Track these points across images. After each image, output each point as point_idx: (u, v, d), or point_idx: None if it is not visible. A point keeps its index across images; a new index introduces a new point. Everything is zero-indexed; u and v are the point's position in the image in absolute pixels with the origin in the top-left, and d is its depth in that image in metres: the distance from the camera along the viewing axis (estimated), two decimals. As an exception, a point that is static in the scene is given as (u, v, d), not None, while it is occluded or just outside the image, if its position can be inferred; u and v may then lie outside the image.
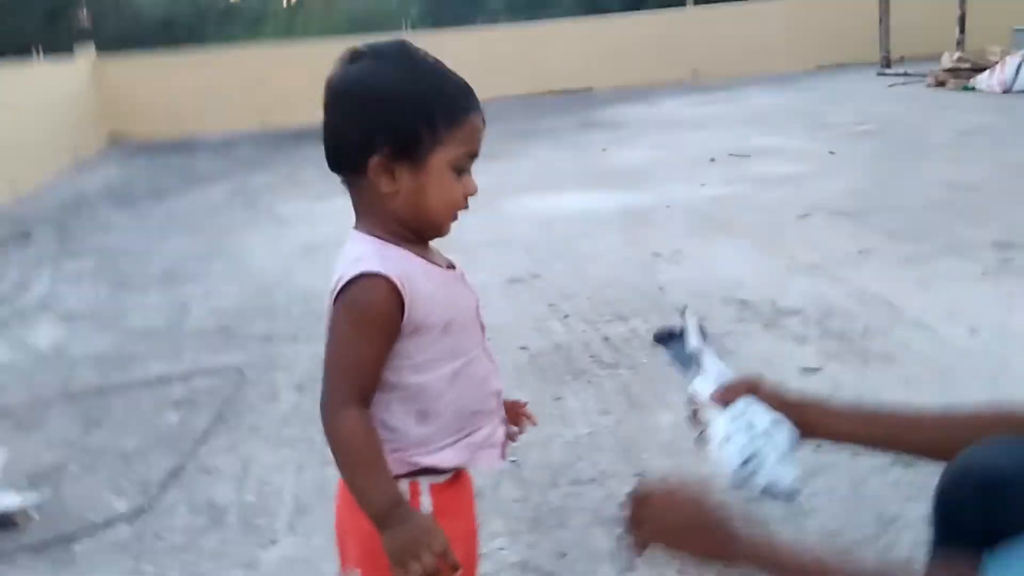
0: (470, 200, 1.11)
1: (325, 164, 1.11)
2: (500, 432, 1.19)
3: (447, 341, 1.09)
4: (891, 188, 4.93)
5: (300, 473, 2.38)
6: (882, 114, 8.14)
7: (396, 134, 1.03)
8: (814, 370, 2.65)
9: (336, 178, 1.12)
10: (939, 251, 3.65)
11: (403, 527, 0.98)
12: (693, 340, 1.26)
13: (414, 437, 1.10)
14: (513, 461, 2.20)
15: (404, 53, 1.08)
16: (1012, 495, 0.95)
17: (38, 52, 12.41)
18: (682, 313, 1.33)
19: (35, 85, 9.64)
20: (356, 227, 1.11)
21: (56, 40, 12.82)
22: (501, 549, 1.92)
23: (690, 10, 15.11)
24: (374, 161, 1.04)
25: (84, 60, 12.54)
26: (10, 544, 2.19)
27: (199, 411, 2.87)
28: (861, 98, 9.69)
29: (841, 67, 13.48)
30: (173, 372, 3.25)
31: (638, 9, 14.30)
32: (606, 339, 3.08)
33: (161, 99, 12.83)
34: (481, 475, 1.75)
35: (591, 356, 2.95)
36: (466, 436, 1.14)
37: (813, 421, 1.18)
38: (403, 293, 1.03)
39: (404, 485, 1.08)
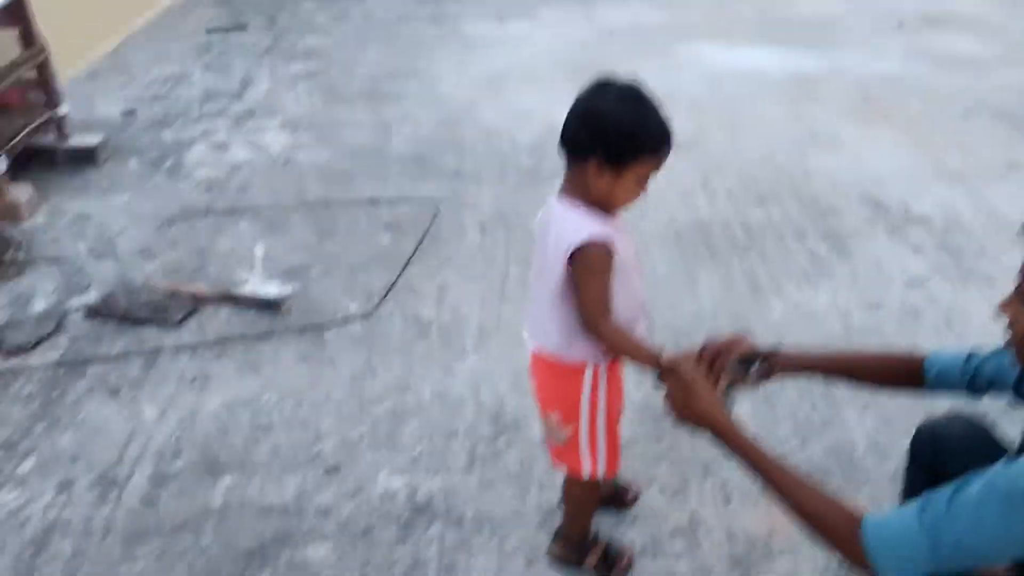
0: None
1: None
2: (644, 325, 1.81)
3: (622, 274, 1.68)
4: (1071, 91, 4.85)
5: (483, 304, 3.10)
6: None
7: (611, 153, 1.57)
8: (918, 283, 3.07)
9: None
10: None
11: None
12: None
13: None
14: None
15: (637, 97, 1.59)
16: (953, 447, 1.50)
17: None
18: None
19: None
20: (564, 195, 1.67)
21: None
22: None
23: None
24: (592, 160, 1.59)
25: None
26: (278, 324, 3.07)
27: (404, 236, 3.62)
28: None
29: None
30: (382, 195, 3.99)
31: None
32: (744, 222, 3.56)
33: None
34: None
35: (728, 238, 3.46)
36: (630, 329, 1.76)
37: (792, 360, 1.71)
38: (613, 249, 1.63)
39: (591, 365, 1.75)
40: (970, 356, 1.60)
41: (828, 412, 2.49)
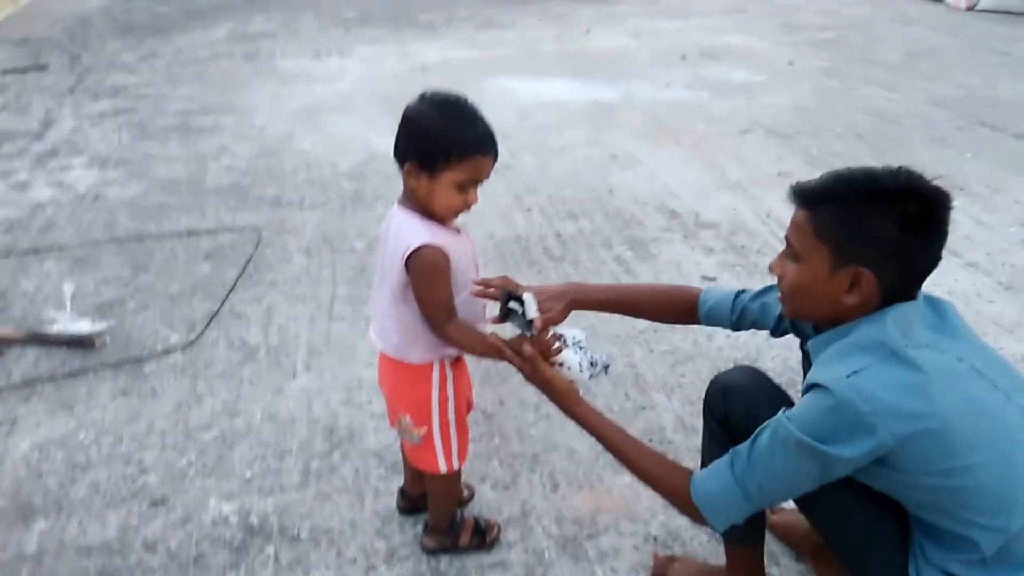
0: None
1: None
2: (484, 328, 1.87)
3: (459, 279, 1.75)
4: (827, 110, 5.53)
5: (311, 324, 3.13)
6: (849, 19, 8.57)
7: (423, 155, 1.65)
8: (711, 279, 3.41)
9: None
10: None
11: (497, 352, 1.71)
12: (531, 312, 1.76)
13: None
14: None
15: (453, 104, 1.67)
16: (739, 397, 1.73)
17: None
18: (520, 299, 1.78)
19: None
20: (400, 203, 1.75)
21: None
22: (458, 395, 2.71)
23: None
24: (407, 164, 1.68)
25: None
26: (91, 361, 2.94)
27: (226, 264, 3.58)
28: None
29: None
30: (200, 227, 3.92)
31: None
32: (558, 235, 3.80)
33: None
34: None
35: (544, 249, 3.68)
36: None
37: (586, 299, 1.92)
38: (449, 254, 1.70)
39: (437, 365, 1.82)
40: (738, 295, 1.86)
41: (640, 398, 2.71)
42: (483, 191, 1.74)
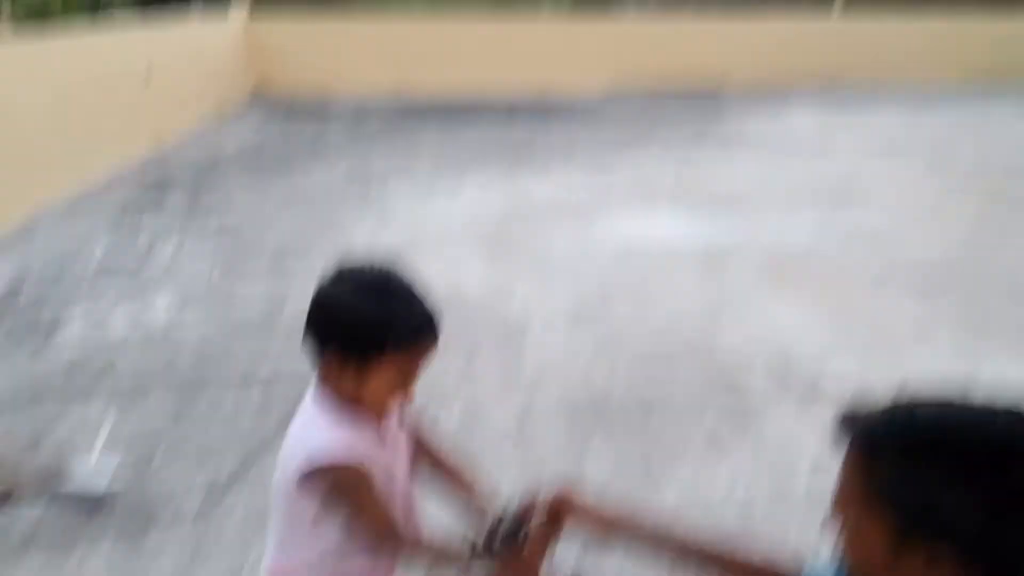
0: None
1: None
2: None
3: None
4: (980, 265, 4.79)
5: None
6: (1013, 162, 7.77)
7: (351, 346, 1.28)
8: (826, 468, 2.75)
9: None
10: (999, 348, 3.61)
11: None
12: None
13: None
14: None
15: (381, 288, 1.30)
16: None
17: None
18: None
19: (189, 40, 10.57)
20: (317, 392, 1.35)
21: None
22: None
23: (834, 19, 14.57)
24: (330, 355, 1.30)
25: (237, 18, 13.46)
26: (94, 528, 2.62)
27: (269, 418, 3.26)
28: (998, 134, 9.24)
29: (998, 86, 12.73)
30: (257, 374, 3.66)
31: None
32: (643, 401, 3.26)
33: (305, 59, 13.74)
34: None
35: (623, 417, 3.15)
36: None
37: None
38: (362, 468, 1.31)
39: None
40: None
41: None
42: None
